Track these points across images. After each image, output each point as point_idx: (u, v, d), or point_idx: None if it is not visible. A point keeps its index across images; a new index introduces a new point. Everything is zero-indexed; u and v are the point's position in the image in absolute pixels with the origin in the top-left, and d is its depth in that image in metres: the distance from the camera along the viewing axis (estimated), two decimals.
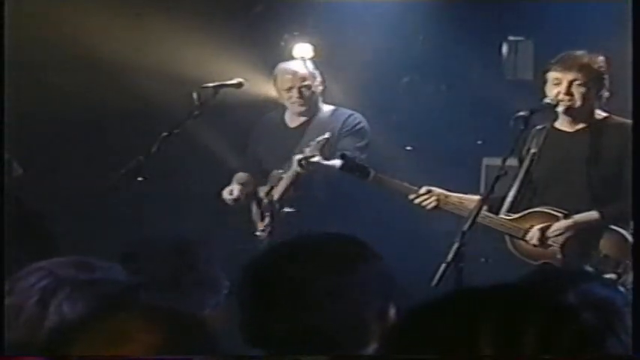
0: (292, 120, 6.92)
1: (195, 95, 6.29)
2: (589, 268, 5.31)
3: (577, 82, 5.46)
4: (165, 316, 1.79)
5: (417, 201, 5.75)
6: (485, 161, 7.14)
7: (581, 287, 2.51)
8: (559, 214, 5.49)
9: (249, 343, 2.28)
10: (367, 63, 7.26)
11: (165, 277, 2.84)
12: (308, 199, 6.54)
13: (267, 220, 6.62)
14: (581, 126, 5.59)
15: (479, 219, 5.27)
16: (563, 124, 5.62)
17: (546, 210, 5.53)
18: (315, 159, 6.22)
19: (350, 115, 6.82)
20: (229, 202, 6.83)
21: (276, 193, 6.63)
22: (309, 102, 6.79)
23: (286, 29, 7.71)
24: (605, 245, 5.40)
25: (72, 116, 7.08)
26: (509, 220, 5.59)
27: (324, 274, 2.26)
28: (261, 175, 6.87)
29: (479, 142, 7.15)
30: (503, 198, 5.62)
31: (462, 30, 7.35)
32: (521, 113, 5.40)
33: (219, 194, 6.89)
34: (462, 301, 1.46)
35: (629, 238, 5.34)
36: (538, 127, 5.66)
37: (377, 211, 6.49)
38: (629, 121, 5.54)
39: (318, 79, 6.85)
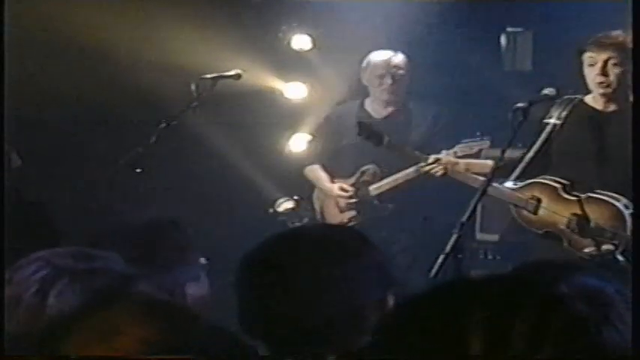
0: (377, 110, 6.94)
1: (193, 86, 6.30)
2: (586, 240, 5.35)
3: (612, 61, 5.44)
4: (161, 308, 1.79)
5: (425, 169, 5.81)
6: (484, 152, 7.14)
7: (575, 278, 2.50)
8: (557, 185, 5.51)
9: (248, 334, 2.28)
10: (366, 55, 7.24)
11: (140, 255, 2.85)
12: (405, 200, 6.55)
13: (352, 212, 6.74)
14: (616, 107, 5.56)
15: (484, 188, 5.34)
16: (596, 101, 5.59)
17: (546, 181, 5.56)
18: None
19: (440, 111, 6.86)
20: (343, 201, 6.82)
21: (377, 189, 6.69)
22: (398, 91, 6.84)
23: (285, 20, 7.71)
24: (599, 217, 5.42)
25: (70, 107, 7.07)
26: (512, 189, 5.62)
27: (323, 264, 2.26)
28: (343, 168, 6.92)
29: (478, 134, 7.14)
30: (513, 167, 5.64)
31: (461, 21, 7.34)
32: (520, 105, 5.39)
33: (215, 184, 6.92)
34: (454, 293, 1.46)
35: (623, 210, 5.37)
36: (565, 97, 5.64)
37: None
38: None
39: (409, 70, 6.88)
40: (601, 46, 5.46)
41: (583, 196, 5.47)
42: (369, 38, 7.22)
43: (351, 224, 6.63)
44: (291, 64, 7.75)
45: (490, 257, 7.22)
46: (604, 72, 5.45)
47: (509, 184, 5.67)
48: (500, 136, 5.76)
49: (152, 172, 6.29)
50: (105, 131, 7.24)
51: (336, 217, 6.82)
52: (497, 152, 5.54)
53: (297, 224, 7.00)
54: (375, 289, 2.26)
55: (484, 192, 5.23)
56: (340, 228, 2.46)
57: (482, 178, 5.53)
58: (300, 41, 7.72)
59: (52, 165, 7.01)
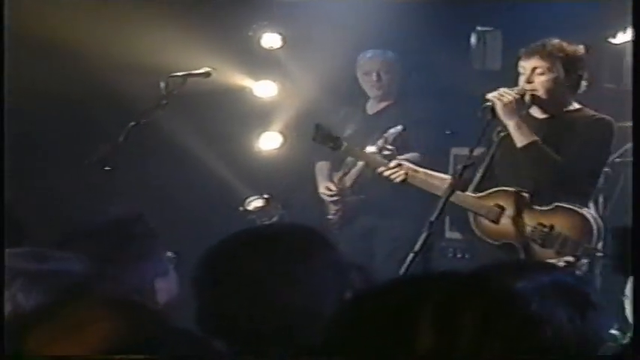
0: (372, 107, 7.13)
1: (162, 85, 6.27)
2: (549, 251, 5.34)
3: (538, 71, 5.47)
4: (119, 307, 1.78)
5: (386, 173, 5.78)
6: (454, 151, 7.16)
7: (534, 277, 2.52)
8: (525, 194, 5.49)
9: (209, 333, 2.27)
10: (336, 53, 7.25)
11: (107, 253, 2.84)
12: (379, 188, 6.62)
13: (339, 204, 6.86)
14: (549, 115, 5.59)
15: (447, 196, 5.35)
16: (535, 110, 5.62)
17: (513, 189, 5.53)
18: (386, 152, 6.31)
19: (427, 107, 6.96)
20: (328, 199, 6.98)
21: (349, 180, 6.85)
22: (387, 87, 6.98)
23: (255, 19, 7.69)
24: (564, 226, 5.40)
25: (38, 106, 7.03)
26: (475, 197, 5.60)
27: (281, 263, 2.25)
28: (337, 161, 7.05)
29: (447, 132, 7.15)
30: (471, 178, 5.63)
31: (430, 20, 7.34)
32: (489, 103, 5.41)
33: (185, 182, 6.91)
34: (403, 290, 1.46)
35: (590, 217, 5.37)
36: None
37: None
38: (602, 115, 5.57)
39: (400, 67, 7.09)
40: (529, 55, 5.49)
41: (551, 205, 5.45)
42: (338, 37, 7.22)
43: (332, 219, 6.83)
44: (261, 63, 7.75)
45: (459, 256, 7.24)
46: (529, 80, 5.48)
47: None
48: (469, 135, 5.76)
49: (121, 171, 6.26)
50: (73, 129, 7.20)
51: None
52: (466, 151, 5.56)
53: (267, 222, 7.02)
54: (334, 287, 2.26)
55: (452, 192, 5.24)
56: (298, 227, 2.45)
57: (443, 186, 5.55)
58: (270, 39, 7.72)
59: (17, 163, 6.95)
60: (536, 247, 5.42)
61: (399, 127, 6.52)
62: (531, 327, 1.42)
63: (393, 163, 5.81)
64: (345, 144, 6.18)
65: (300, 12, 7.50)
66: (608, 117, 5.57)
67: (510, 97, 5.39)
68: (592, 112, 5.58)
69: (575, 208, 5.41)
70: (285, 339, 2.21)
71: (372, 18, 7.23)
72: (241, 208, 7.44)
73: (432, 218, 5.07)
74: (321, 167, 7.18)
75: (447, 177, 5.64)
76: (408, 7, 7.30)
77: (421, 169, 5.80)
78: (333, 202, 6.95)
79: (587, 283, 2.61)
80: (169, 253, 3.20)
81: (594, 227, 5.34)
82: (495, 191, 5.57)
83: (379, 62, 7.05)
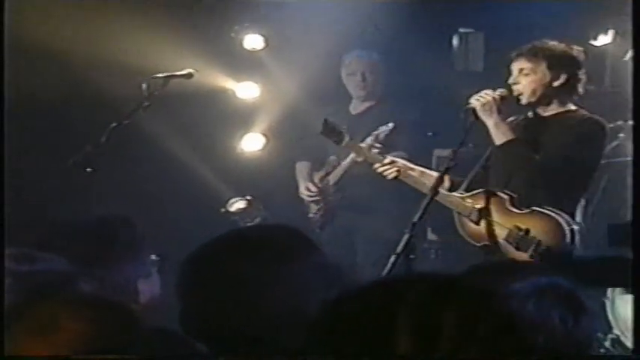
0: (355, 107, 7.14)
1: (144, 86, 6.24)
2: (523, 255, 5.33)
3: (524, 72, 5.49)
4: (99, 307, 1.78)
5: (380, 170, 5.78)
6: (437, 152, 7.17)
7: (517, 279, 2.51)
8: (505, 197, 5.49)
9: (191, 335, 2.26)
10: (318, 54, 7.25)
11: (89, 255, 2.83)
12: (361, 187, 6.63)
13: (320, 203, 6.87)
14: (550, 114, 5.58)
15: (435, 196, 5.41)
16: (532, 111, 5.63)
17: (494, 191, 5.54)
18: (375, 150, 6.31)
19: (409, 108, 6.97)
20: (308, 199, 7.00)
21: (333, 178, 6.87)
22: (371, 87, 7.00)
23: (237, 20, 7.68)
24: (539, 230, 5.40)
25: (18, 107, 6.99)
26: (460, 197, 5.60)
27: (265, 265, 2.25)
28: (319, 161, 7.08)
29: (429, 134, 7.16)
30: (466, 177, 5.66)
31: (413, 22, 7.35)
32: (471, 105, 5.42)
33: (167, 183, 6.90)
34: (382, 292, 1.46)
35: (563, 223, 5.37)
36: (523, 115, 5.69)
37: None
38: (592, 116, 5.58)
39: (385, 67, 7.11)
40: (517, 56, 5.52)
41: (528, 209, 5.45)
42: (321, 38, 7.22)
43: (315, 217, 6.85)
44: (243, 64, 7.74)
45: (441, 257, 7.25)
46: (515, 81, 5.50)
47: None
48: (452, 136, 5.76)
49: (103, 172, 6.24)
50: (54, 130, 7.17)
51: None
52: (448, 152, 5.57)
53: (249, 224, 7.01)
54: (318, 289, 2.25)
55: (436, 192, 5.25)
56: (282, 228, 2.44)
57: (441, 190, 5.56)
58: (253, 41, 7.71)
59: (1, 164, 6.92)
60: (511, 250, 5.41)
61: (390, 125, 6.54)
62: (514, 329, 1.42)
63: (386, 160, 5.81)
64: (346, 138, 6.17)
65: (282, 13, 7.50)
66: (598, 117, 5.58)
67: (488, 98, 5.42)
68: (585, 113, 5.58)
69: (550, 213, 5.39)
70: (269, 341, 2.20)
71: (355, 19, 7.23)
72: (223, 210, 7.43)
73: (415, 219, 5.07)
74: (301, 168, 7.18)
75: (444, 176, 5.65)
76: (390, 8, 7.30)
77: (417, 167, 5.80)
78: (314, 201, 6.96)
79: (582, 287, 2.60)
80: (153, 256, 3.19)
81: (567, 234, 5.33)
82: (479, 192, 5.58)
83: (364, 63, 7.07)
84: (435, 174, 5.66)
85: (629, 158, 7.15)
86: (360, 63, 7.06)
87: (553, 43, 5.50)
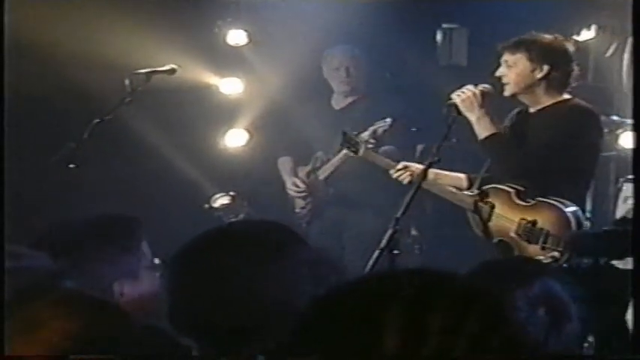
0: (338, 102, 7.08)
1: (127, 81, 6.24)
2: (534, 247, 5.32)
3: (508, 64, 5.50)
4: (86, 305, 1.77)
5: (394, 175, 5.78)
6: (420, 148, 7.16)
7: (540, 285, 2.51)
8: (511, 190, 5.50)
9: (179, 331, 2.25)
10: (301, 50, 7.23)
11: (88, 252, 2.82)
12: (351, 182, 6.62)
13: (307, 198, 6.84)
14: (540, 107, 5.58)
15: (442, 194, 5.57)
16: (529, 104, 5.64)
17: (500, 186, 5.55)
18: (369, 146, 6.29)
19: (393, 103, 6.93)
20: (295, 195, 6.96)
21: (323, 173, 6.81)
22: (355, 82, 6.96)
23: (220, 16, 7.66)
24: (546, 221, 5.40)
25: (1, 103, 6.96)
26: (471, 196, 5.60)
27: (252, 262, 2.24)
28: (303, 156, 7.03)
29: (413, 129, 7.16)
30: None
31: (395, 17, 7.35)
32: (453, 100, 5.42)
33: (150, 179, 6.88)
34: (370, 288, 1.46)
35: (568, 213, 5.38)
36: (518, 109, 5.70)
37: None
38: (585, 105, 5.58)
39: (367, 62, 7.07)
40: (504, 47, 5.53)
41: (533, 201, 5.46)
42: (304, 34, 7.21)
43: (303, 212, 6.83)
44: (226, 60, 7.72)
45: (425, 252, 7.24)
46: (502, 73, 5.51)
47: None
48: (435, 131, 5.76)
49: (86, 168, 6.22)
50: (37, 126, 7.14)
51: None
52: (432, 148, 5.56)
53: (233, 220, 6.99)
54: (306, 285, 2.25)
55: (419, 187, 5.25)
56: (269, 224, 2.43)
57: (450, 189, 5.57)
58: (236, 36, 7.69)
59: None
60: (524, 244, 5.43)
61: (389, 120, 6.49)
62: (500, 327, 1.42)
63: (400, 165, 5.80)
64: (362, 149, 6.17)
65: (265, 9, 7.48)
66: (586, 104, 5.58)
67: (469, 93, 5.43)
68: (576, 102, 5.58)
69: (555, 203, 5.41)
70: (257, 337, 2.20)
71: (338, 14, 7.22)
72: (207, 206, 7.42)
73: (398, 215, 5.08)
74: (284, 163, 7.16)
75: (461, 175, 5.66)
76: (373, 4, 7.30)
77: (432, 170, 5.72)
78: (301, 197, 6.95)
79: (571, 291, 2.60)
80: (157, 260, 3.16)
81: (572, 222, 5.35)
82: (487, 189, 5.59)
83: (348, 58, 7.04)
84: (454, 174, 5.68)
85: (613, 153, 7.18)
86: (344, 58, 7.03)
87: (540, 36, 5.50)
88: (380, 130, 6.47)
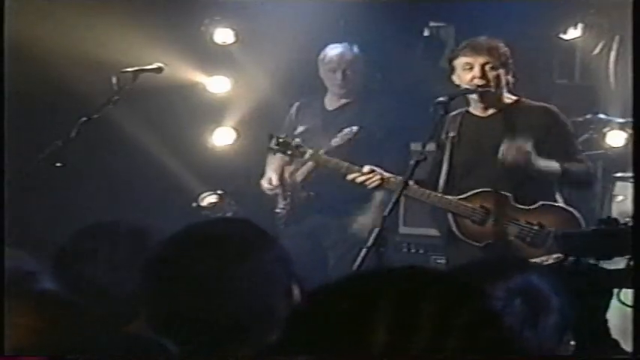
0: (331, 103, 6.98)
1: (114, 80, 6.23)
2: (538, 250, 5.32)
3: (489, 65, 5.51)
4: (59, 305, 1.77)
5: (359, 179, 5.73)
6: (413, 146, 7.16)
7: (519, 278, 2.53)
8: (509, 194, 5.51)
9: (156, 333, 2.25)
10: (290, 48, 7.23)
11: (122, 260, 2.80)
12: (328, 184, 6.57)
13: (288, 199, 6.79)
14: (493, 110, 5.62)
15: (430, 200, 5.53)
16: (476, 108, 5.66)
17: (495, 190, 5.55)
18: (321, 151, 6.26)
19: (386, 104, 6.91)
20: (268, 191, 6.87)
21: (300, 176, 6.75)
22: (350, 85, 6.87)
23: (207, 14, 7.66)
24: (553, 224, 5.42)
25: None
26: (458, 200, 5.59)
27: (224, 260, 2.24)
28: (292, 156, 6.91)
29: (405, 129, 7.15)
30: (437, 180, 5.65)
31: (383, 16, 7.35)
32: (441, 99, 5.42)
33: (138, 178, 6.86)
34: (360, 285, 1.46)
35: (577, 214, 5.43)
36: (454, 112, 5.69)
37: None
38: (546, 105, 5.64)
39: (365, 63, 6.96)
40: (477, 50, 5.52)
41: (536, 204, 5.48)
42: (292, 32, 7.21)
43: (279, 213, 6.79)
44: (214, 58, 7.71)
45: (413, 251, 7.26)
46: (483, 75, 5.52)
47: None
48: (421, 130, 5.76)
49: (73, 167, 6.21)
50: (24, 125, 7.12)
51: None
52: (418, 146, 5.57)
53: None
54: (279, 283, 2.25)
55: (405, 186, 5.25)
56: (238, 222, 2.43)
57: (420, 189, 5.56)
58: (223, 35, 7.68)
59: None
60: (524, 247, 5.43)
61: (355, 129, 6.47)
62: (487, 323, 1.42)
63: (366, 169, 5.76)
64: (309, 151, 6.12)
65: (252, 7, 7.48)
66: (546, 104, 5.65)
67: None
68: (531, 102, 5.66)
69: (562, 206, 5.48)
70: (236, 336, 2.20)
71: (325, 16, 7.22)
72: (195, 204, 7.40)
73: (385, 213, 5.08)
74: (273, 160, 7.12)
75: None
76: (362, 3, 7.30)
77: (392, 175, 5.73)
78: (282, 196, 6.88)
79: (553, 286, 2.62)
80: None
81: (583, 224, 5.38)
82: (478, 192, 5.58)
83: (347, 60, 6.88)
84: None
85: (601, 151, 7.20)
86: (342, 60, 6.89)
87: (491, 39, 5.56)
88: (345, 138, 6.45)
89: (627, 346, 2.68)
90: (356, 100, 6.97)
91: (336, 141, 6.43)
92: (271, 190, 6.83)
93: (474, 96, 5.58)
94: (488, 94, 5.53)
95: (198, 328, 2.20)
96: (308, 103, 7.03)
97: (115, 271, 2.84)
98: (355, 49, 6.99)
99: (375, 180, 5.70)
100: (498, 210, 5.52)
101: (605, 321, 2.65)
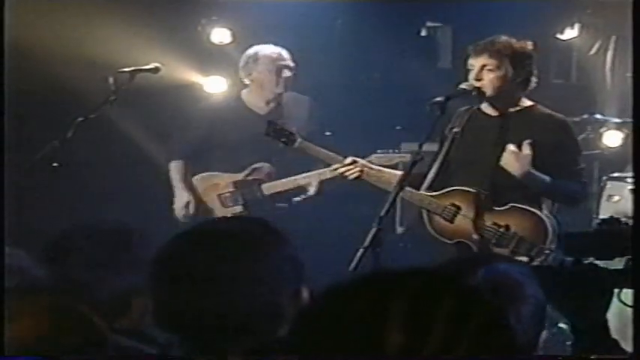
0: (259, 105, 6.77)
1: (111, 80, 6.23)
2: (503, 251, 5.35)
3: (487, 68, 5.50)
4: (57, 305, 1.77)
5: (340, 170, 5.75)
6: (404, 146, 7.17)
7: (489, 269, 2.55)
8: (481, 194, 5.51)
9: (163, 328, 2.26)
10: (286, 49, 7.22)
11: (102, 260, 2.80)
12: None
13: (239, 207, 6.64)
14: (504, 112, 5.60)
15: (403, 194, 5.38)
16: (487, 107, 5.65)
17: (468, 189, 5.55)
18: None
19: (311, 102, 6.84)
20: (183, 219, 6.68)
21: (270, 189, 6.58)
22: (288, 87, 6.72)
23: (204, 14, 7.66)
24: (519, 226, 5.42)
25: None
26: (430, 196, 5.60)
27: (235, 259, 2.24)
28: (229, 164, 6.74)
29: (397, 128, 7.18)
30: (425, 175, 5.64)
31: (380, 16, 7.36)
32: (437, 99, 5.41)
33: (134, 178, 6.86)
34: (372, 284, 1.46)
35: (545, 219, 5.40)
36: (463, 108, 5.69)
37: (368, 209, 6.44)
38: (562, 118, 5.62)
39: (296, 66, 6.77)
40: (477, 52, 5.51)
41: (506, 206, 5.47)
42: (288, 33, 7.21)
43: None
44: (210, 58, 7.71)
45: (411, 251, 7.25)
46: (478, 77, 5.51)
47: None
48: (419, 130, 5.76)
49: (69, 166, 6.21)
50: (21, 125, 7.12)
51: (219, 210, 6.75)
52: (414, 146, 5.57)
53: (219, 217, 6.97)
54: (289, 282, 2.25)
55: (402, 187, 5.24)
56: (253, 221, 2.43)
57: (410, 188, 5.55)
58: (220, 35, 7.68)
59: None
60: (490, 247, 5.43)
61: (405, 155, 6.28)
62: (501, 323, 1.43)
63: (347, 160, 5.78)
64: (299, 139, 6.11)
65: (249, 7, 7.48)
66: (561, 116, 5.62)
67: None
68: (546, 110, 5.62)
69: (531, 209, 5.44)
70: (242, 334, 2.20)
71: (321, 15, 7.22)
72: None
73: (382, 213, 5.07)
74: (176, 169, 6.87)
75: (399, 173, 5.64)
76: (358, 3, 7.31)
77: (374, 167, 5.79)
78: (235, 203, 6.69)
79: (526, 275, 2.64)
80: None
81: (549, 228, 5.38)
82: (451, 190, 5.59)
83: (284, 59, 6.70)
84: (394, 172, 5.68)
85: (597, 151, 7.21)
86: (277, 59, 6.69)
87: (510, 40, 5.52)
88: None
89: (627, 346, 2.68)
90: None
91: (377, 158, 6.24)
92: (187, 217, 6.67)
93: (475, 95, 5.56)
94: (484, 95, 5.52)
95: (208, 325, 2.20)
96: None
97: (99, 268, 2.85)
98: (286, 50, 6.76)
99: (354, 172, 5.72)
100: (468, 208, 5.52)
101: (605, 321, 2.65)
